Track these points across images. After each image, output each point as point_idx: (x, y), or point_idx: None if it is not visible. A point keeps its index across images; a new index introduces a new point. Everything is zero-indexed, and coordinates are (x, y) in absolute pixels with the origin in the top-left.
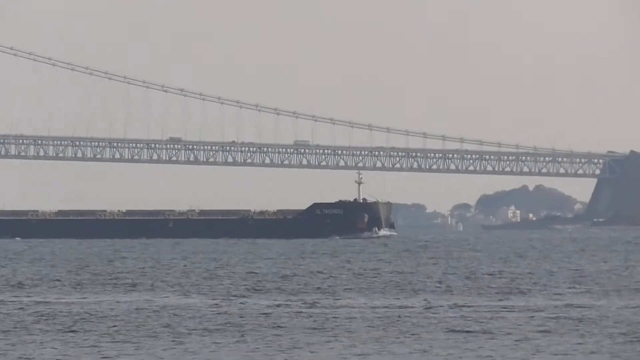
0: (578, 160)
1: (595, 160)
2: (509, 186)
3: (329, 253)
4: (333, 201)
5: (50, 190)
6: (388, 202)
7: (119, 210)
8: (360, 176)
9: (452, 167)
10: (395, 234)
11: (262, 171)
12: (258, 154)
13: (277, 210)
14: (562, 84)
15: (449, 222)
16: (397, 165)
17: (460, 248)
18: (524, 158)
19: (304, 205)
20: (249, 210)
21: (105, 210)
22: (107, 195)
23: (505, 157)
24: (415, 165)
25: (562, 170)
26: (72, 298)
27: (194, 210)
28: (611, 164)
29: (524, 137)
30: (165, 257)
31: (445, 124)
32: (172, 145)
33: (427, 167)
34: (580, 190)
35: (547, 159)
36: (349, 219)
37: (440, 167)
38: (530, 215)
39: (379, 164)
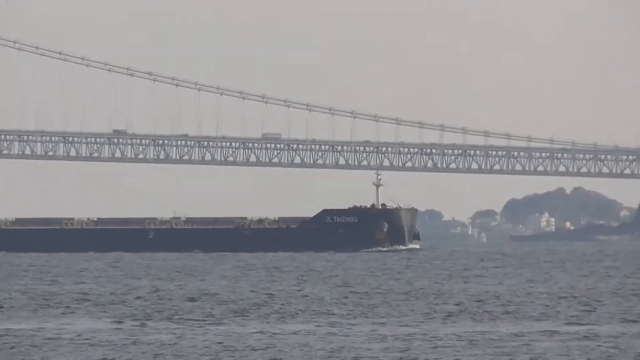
0: (625, 157)
1: None
2: (542, 189)
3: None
4: (346, 207)
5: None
6: (412, 208)
7: (88, 219)
8: (379, 177)
9: (474, 166)
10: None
11: (253, 171)
12: (242, 150)
13: (279, 218)
14: (606, 70)
15: (470, 232)
16: (409, 164)
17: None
18: (560, 155)
19: (303, 212)
20: (246, 218)
21: (72, 219)
22: (73, 200)
23: (538, 154)
24: (430, 164)
25: (605, 170)
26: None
27: (179, 218)
28: None
29: (560, 130)
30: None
31: (467, 115)
32: (138, 141)
33: (445, 166)
34: (627, 193)
35: (587, 156)
36: (365, 228)
37: (460, 166)
38: (568, 223)
39: (386, 162)
